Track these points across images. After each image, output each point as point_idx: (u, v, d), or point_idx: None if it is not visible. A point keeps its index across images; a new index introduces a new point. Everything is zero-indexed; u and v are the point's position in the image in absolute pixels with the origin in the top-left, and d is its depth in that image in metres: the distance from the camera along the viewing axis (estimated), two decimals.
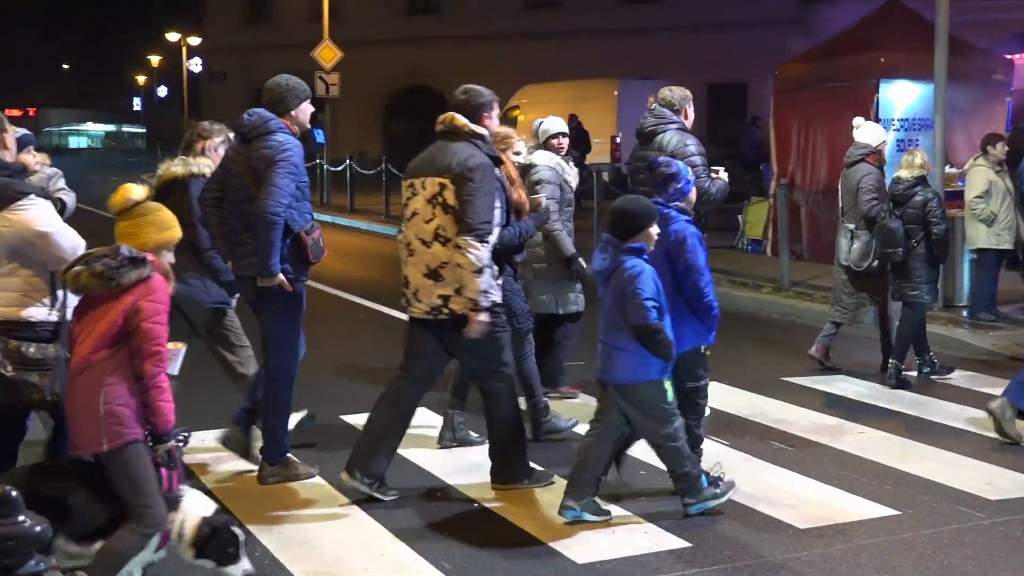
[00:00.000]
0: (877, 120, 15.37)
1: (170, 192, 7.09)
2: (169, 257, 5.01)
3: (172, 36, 57.30)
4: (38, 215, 5.41)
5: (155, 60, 68.92)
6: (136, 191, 4.97)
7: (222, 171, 6.88)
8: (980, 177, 11.89)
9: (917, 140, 15.20)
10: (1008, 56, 18.25)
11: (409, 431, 6.89)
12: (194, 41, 53.39)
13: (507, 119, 30.24)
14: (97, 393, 4.72)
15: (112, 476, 4.76)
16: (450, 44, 36.94)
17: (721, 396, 8.61)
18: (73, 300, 5.12)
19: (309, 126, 7.09)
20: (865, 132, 9.99)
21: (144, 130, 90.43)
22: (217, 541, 4.92)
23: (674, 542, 6.06)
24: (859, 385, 9.62)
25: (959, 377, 9.82)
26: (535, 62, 33.48)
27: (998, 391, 8.19)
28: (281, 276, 6.53)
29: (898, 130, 15.48)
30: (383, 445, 6.65)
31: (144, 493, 4.75)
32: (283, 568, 5.72)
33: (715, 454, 7.22)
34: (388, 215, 23.89)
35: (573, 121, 26.07)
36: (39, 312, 5.44)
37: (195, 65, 57.68)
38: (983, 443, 7.89)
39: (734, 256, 17.30)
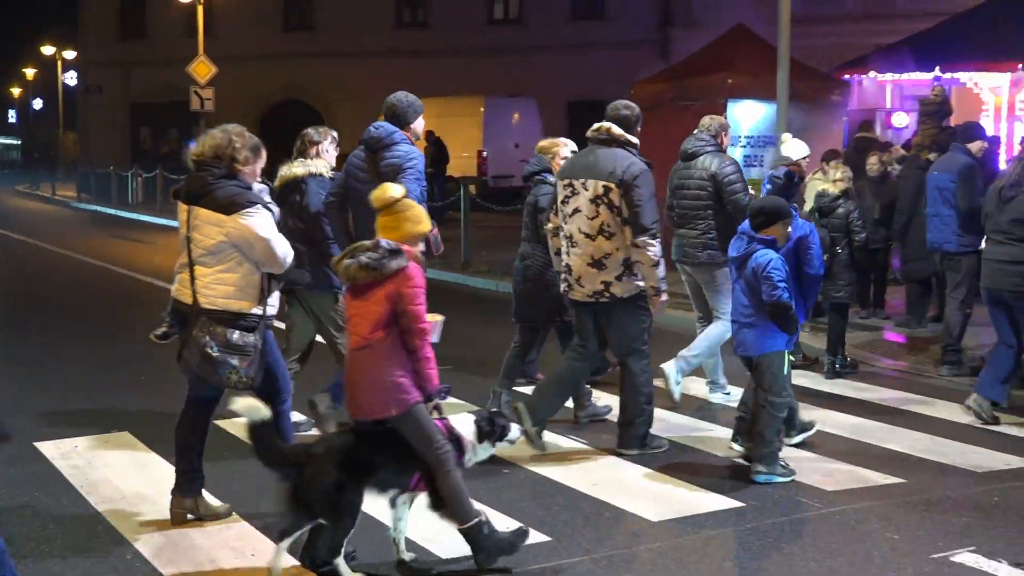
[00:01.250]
0: None
1: (292, 190, 7.76)
2: (420, 247, 5.61)
3: (48, 49, 55.65)
4: (260, 223, 5.89)
5: (30, 73, 66.89)
6: (395, 190, 5.57)
7: (345, 177, 7.49)
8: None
9: (762, 156, 15.59)
10: (844, 78, 18.77)
11: None
12: (70, 55, 51.96)
13: None
14: (381, 368, 5.37)
15: (407, 435, 5.41)
16: (324, 60, 36.67)
17: (605, 398, 8.68)
18: (273, 299, 6.08)
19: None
20: (790, 147, 10.28)
21: (19, 142, 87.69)
22: (492, 428, 5.76)
23: (534, 536, 6.10)
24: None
25: (815, 380, 10.01)
26: (406, 79, 32.91)
27: (832, 393, 8.40)
28: None
29: (744, 147, 15.82)
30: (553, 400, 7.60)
31: (436, 441, 5.45)
32: (156, 571, 5.63)
33: (579, 452, 7.30)
34: None
35: (431, 137, 26.12)
36: (249, 306, 5.95)
37: (70, 79, 56.16)
38: (822, 439, 8.08)
39: None
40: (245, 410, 5.26)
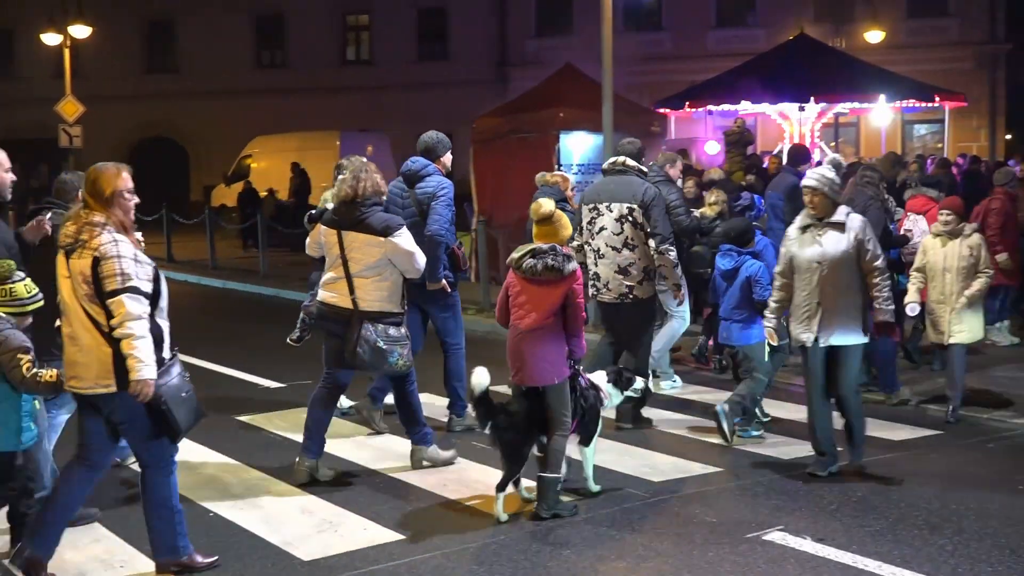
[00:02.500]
0: (559, 166, 15.93)
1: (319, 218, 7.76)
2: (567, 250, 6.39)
3: None
4: (408, 240, 6.85)
5: None
6: (550, 205, 6.43)
7: (388, 204, 7.57)
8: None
9: (592, 183, 15.78)
10: (662, 111, 19.19)
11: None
12: None
13: (241, 167, 29.64)
14: (549, 345, 6.26)
15: (552, 399, 6.32)
16: (188, 99, 35.83)
17: (439, 407, 8.64)
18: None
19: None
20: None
21: None
22: (620, 379, 6.99)
23: (389, 535, 6.05)
24: None
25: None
26: (266, 115, 32.90)
27: (659, 395, 8.52)
28: (444, 281, 7.79)
29: (577, 174, 16.01)
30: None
31: (568, 408, 6.39)
32: None
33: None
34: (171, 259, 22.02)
35: (296, 168, 25.78)
36: (396, 306, 6.88)
37: None
38: (649, 435, 8.23)
39: None
40: (477, 377, 6.26)
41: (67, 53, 26.53)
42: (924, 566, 5.53)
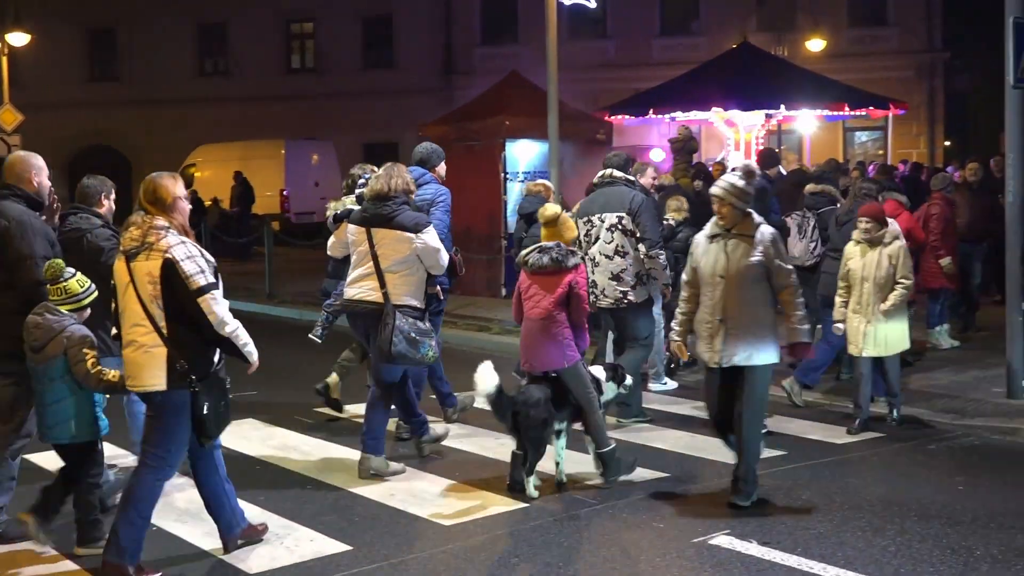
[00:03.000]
0: (505, 173, 15.97)
1: (345, 218, 8.14)
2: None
3: None
4: (435, 238, 7.22)
5: None
6: (556, 208, 7.20)
7: None
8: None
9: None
10: (608, 119, 19.29)
11: None
12: None
13: (184, 176, 29.35)
14: (558, 334, 6.85)
15: (570, 382, 6.93)
16: (130, 108, 35.37)
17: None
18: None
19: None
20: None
21: None
22: (615, 374, 7.51)
23: (335, 546, 6.02)
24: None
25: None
26: (209, 124, 32.60)
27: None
28: (439, 287, 7.81)
29: (522, 181, 16.04)
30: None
31: (589, 387, 7.02)
32: None
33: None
34: None
35: (238, 177, 25.60)
36: (421, 302, 7.24)
37: None
38: None
39: None
40: (482, 377, 6.61)
41: (4, 61, 26.15)
42: (868, 567, 5.60)
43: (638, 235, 8.38)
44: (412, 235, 7.05)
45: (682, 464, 7.61)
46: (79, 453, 5.86)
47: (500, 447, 8.06)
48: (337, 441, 8.33)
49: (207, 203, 25.51)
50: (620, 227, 8.41)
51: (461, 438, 8.32)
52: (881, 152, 29.76)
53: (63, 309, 5.81)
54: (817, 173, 12.73)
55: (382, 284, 7.09)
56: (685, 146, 14.09)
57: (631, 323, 8.61)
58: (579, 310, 6.89)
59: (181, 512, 6.64)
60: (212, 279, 5.37)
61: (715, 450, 7.84)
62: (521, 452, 6.85)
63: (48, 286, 5.87)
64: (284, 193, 28.04)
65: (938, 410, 8.85)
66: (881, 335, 8.33)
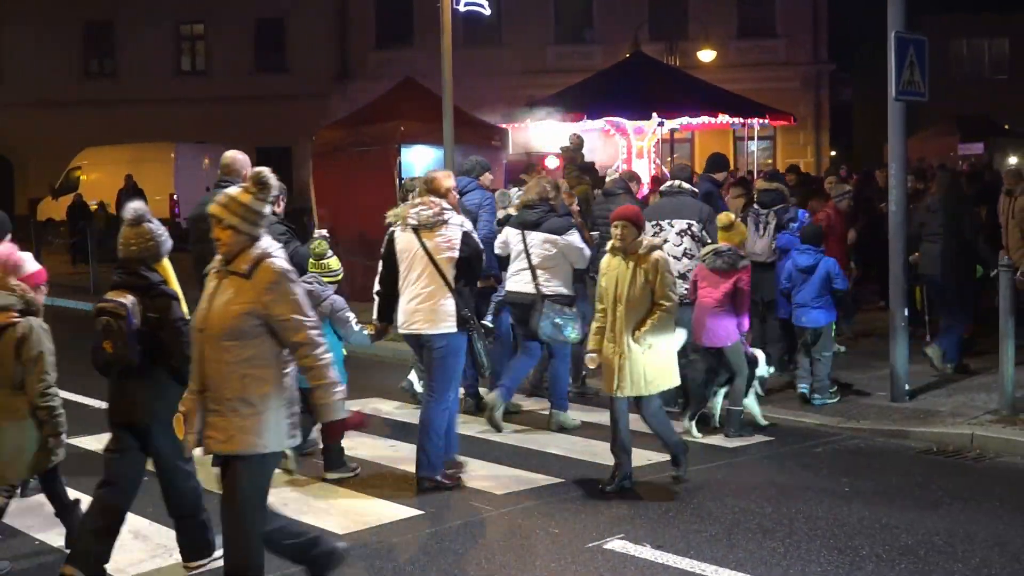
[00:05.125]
0: (401, 179, 15.87)
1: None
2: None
3: None
4: (578, 239, 8.54)
5: None
6: (731, 215, 8.74)
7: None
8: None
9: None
10: (503, 126, 19.33)
11: None
12: None
13: (69, 179, 28.58)
14: (724, 318, 8.34)
15: (729, 356, 8.39)
16: (11, 109, 34.24)
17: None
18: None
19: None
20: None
21: None
22: (769, 358, 9.13)
23: None
24: (390, 405, 9.81)
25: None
26: (96, 127, 31.72)
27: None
28: (492, 277, 9.19)
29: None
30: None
31: (743, 360, 8.45)
32: None
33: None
34: None
35: (128, 181, 24.98)
36: (569, 290, 8.54)
37: None
38: (491, 448, 8.27)
39: None
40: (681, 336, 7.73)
41: None
42: (758, 569, 5.70)
43: (705, 241, 9.12)
44: (557, 237, 8.39)
45: (577, 469, 7.66)
46: None
47: (394, 454, 8.03)
48: None
49: (93, 207, 24.86)
50: (689, 233, 9.16)
51: (355, 448, 8.24)
52: (770, 161, 30.45)
53: (326, 280, 7.38)
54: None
55: (534, 277, 8.35)
56: (575, 155, 14.26)
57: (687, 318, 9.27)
58: (742, 303, 8.36)
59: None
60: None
61: (608, 455, 7.90)
62: (682, 402, 8.65)
63: (312, 261, 7.40)
64: (174, 197, 27.49)
65: (824, 413, 9.06)
66: (638, 370, 6.94)
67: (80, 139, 30.21)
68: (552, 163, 19.59)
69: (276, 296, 4.63)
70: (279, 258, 4.73)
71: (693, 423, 8.48)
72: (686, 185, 9.47)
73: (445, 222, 7.01)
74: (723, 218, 8.61)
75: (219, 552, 5.32)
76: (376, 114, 17.11)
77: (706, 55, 27.91)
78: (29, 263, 6.09)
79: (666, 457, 7.84)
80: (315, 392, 4.72)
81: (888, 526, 6.35)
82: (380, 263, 7.48)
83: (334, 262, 7.51)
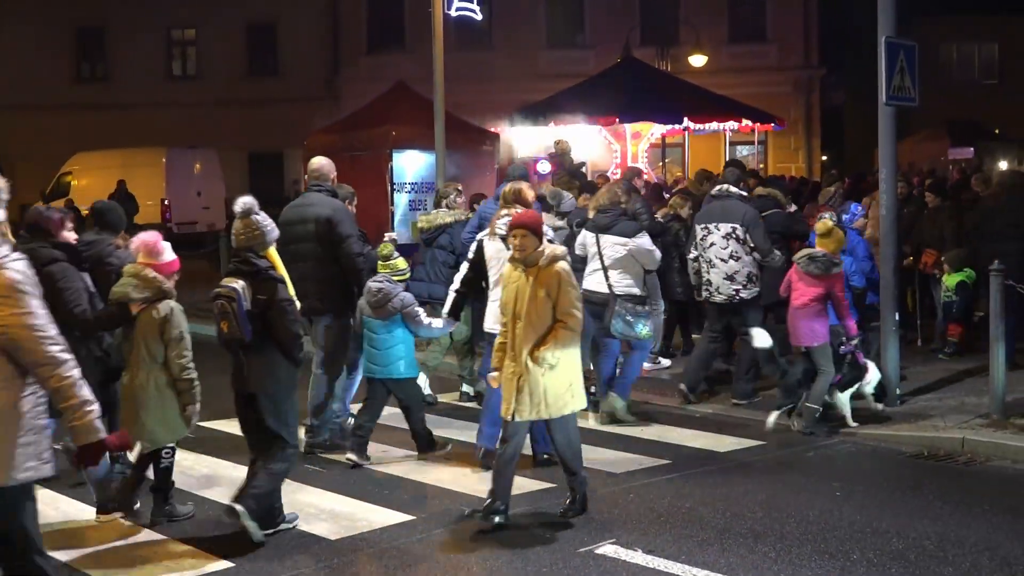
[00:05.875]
0: (392, 184, 15.88)
1: (441, 232, 9.75)
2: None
3: None
4: (648, 241, 8.98)
5: None
6: (829, 223, 8.89)
7: (480, 222, 9.18)
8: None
9: (425, 201, 15.79)
10: (494, 131, 19.33)
11: None
12: None
13: (60, 184, 28.49)
14: (813, 319, 8.62)
15: (815, 355, 8.62)
16: (3, 115, 34.07)
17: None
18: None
19: None
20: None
21: None
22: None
23: (218, 564, 5.89)
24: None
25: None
26: (87, 131, 31.60)
27: None
28: None
29: (410, 192, 15.99)
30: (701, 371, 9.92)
31: (829, 361, 8.65)
32: None
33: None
34: None
35: (121, 187, 24.90)
36: (641, 290, 8.92)
37: None
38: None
39: None
40: (759, 336, 8.90)
41: None
42: (749, 573, 5.70)
43: (750, 244, 9.40)
44: (627, 239, 8.76)
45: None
46: (406, 386, 7.92)
47: (384, 456, 8.01)
48: (222, 456, 8.16)
49: (84, 212, 24.81)
50: (734, 236, 9.44)
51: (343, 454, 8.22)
52: (762, 165, 30.48)
53: (395, 279, 7.91)
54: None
55: (606, 277, 8.75)
56: (563, 159, 14.32)
57: (742, 316, 9.60)
58: (840, 307, 8.72)
59: (53, 531, 6.44)
60: None
61: (600, 460, 7.92)
62: (785, 405, 8.82)
63: (380, 262, 7.95)
64: (165, 202, 27.42)
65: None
66: (538, 392, 6.31)
67: (71, 144, 30.12)
68: (543, 167, 19.62)
69: (9, 308, 4.08)
70: (13, 268, 4.12)
71: (775, 415, 8.77)
72: (734, 189, 9.72)
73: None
74: (820, 226, 8.87)
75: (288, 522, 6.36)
76: (368, 119, 17.13)
77: (697, 60, 27.92)
78: (168, 252, 6.71)
79: (658, 461, 7.88)
80: (65, 413, 4.21)
81: (879, 530, 6.35)
82: (465, 265, 8.05)
83: (401, 262, 8.05)
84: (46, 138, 32.44)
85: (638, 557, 5.95)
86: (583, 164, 16.34)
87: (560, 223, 9.29)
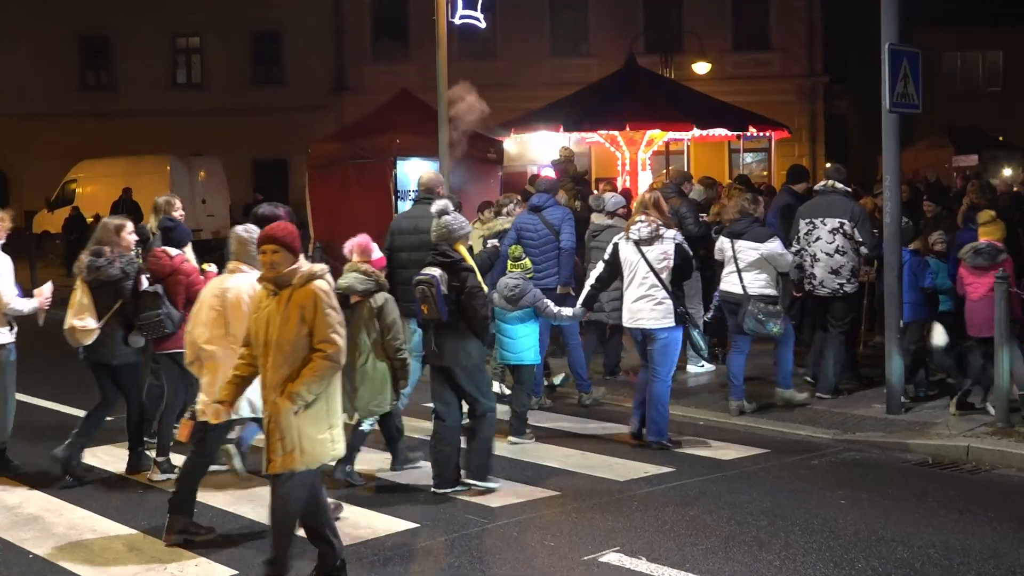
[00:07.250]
0: (396, 192, 15.89)
1: (499, 237, 10.08)
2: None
3: None
4: (780, 245, 9.47)
5: None
6: (990, 212, 9.45)
7: (520, 229, 10.18)
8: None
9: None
10: (498, 139, 19.30)
11: None
12: None
13: (65, 192, 28.55)
14: (988, 311, 8.63)
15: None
16: (8, 121, 34.16)
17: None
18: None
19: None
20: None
21: None
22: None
23: (221, 571, 5.88)
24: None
25: None
26: (91, 139, 31.66)
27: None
28: (570, 287, 10.14)
29: (413, 200, 15.94)
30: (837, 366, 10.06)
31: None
32: None
33: (252, 481, 7.07)
34: None
35: (126, 194, 24.96)
36: (774, 291, 9.47)
37: None
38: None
39: None
40: (938, 334, 9.45)
41: None
42: None
43: (856, 239, 9.74)
44: (759, 244, 9.31)
45: (573, 482, 7.63)
46: (530, 371, 8.92)
47: (385, 464, 7.99)
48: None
49: (89, 220, 24.80)
50: (841, 231, 9.78)
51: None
52: (766, 173, 30.47)
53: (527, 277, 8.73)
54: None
55: (740, 280, 9.31)
56: (566, 167, 14.33)
57: (838, 309, 9.94)
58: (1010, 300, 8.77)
59: (59, 537, 6.42)
60: None
61: (604, 467, 7.91)
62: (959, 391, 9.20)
63: (510, 262, 8.80)
64: None
65: (820, 426, 9.05)
66: (291, 437, 5.26)
67: (76, 151, 30.17)
68: (547, 175, 19.59)
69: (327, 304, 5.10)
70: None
71: (955, 400, 9.13)
72: (839, 185, 10.05)
73: (661, 236, 8.44)
74: (984, 215, 9.34)
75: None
76: (372, 127, 17.14)
77: (701, 67, 27.94)
78: (376, 251, 7.83)
79: (663, 469, 7.85)
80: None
81: (884, 539, 6.33)
82: (600, 264, 8.87)
83: (528, 262, 8.93)
84: (51, 146, 32.52)
85: (642, 565, 5.93)
86: (586, 172, 16.35)
87: (609, 221, 10.40)
